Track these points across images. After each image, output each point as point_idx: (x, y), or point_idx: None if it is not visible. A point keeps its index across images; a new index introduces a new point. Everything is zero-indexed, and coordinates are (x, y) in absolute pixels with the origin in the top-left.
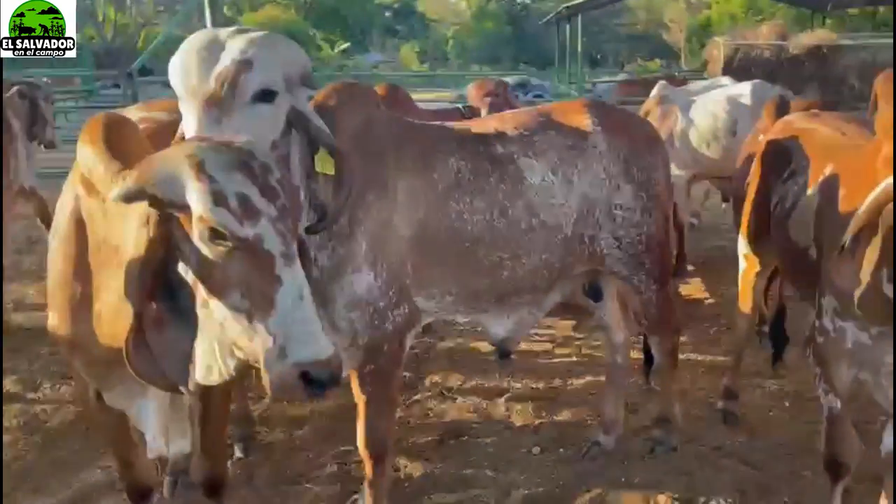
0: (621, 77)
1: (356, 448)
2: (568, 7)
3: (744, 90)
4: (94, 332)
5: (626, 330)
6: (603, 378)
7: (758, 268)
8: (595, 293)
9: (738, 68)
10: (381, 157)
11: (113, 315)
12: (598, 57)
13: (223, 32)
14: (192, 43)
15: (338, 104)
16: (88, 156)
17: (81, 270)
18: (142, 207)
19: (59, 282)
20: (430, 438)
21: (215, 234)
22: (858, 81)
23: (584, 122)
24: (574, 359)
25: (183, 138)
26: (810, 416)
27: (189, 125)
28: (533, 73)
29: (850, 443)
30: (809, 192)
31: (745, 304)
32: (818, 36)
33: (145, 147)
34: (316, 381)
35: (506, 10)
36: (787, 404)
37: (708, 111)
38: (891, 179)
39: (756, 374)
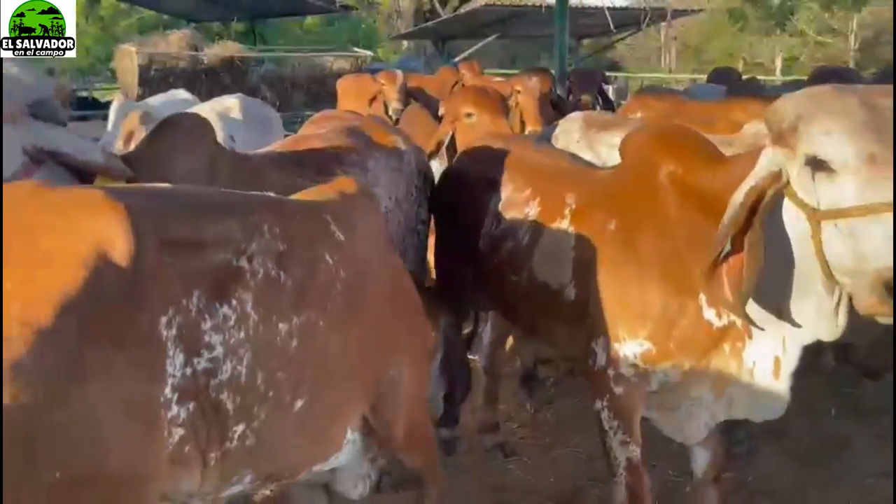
0: None
1: None
2: None
3: (231, 105)
4: None
5: None
6: None
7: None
8: None
9: (155, 79)
10: None
11: None
12: None
13: None
14: None
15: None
16: None
17: None
18: None
19: None
20: None
21: None
22: (269, 91)
23: (394, 139)
24: None
25: None
26: None
27: None
28: None
29: (648, 486)
30: (558, 225)
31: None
32: (232, 48)
33: None
34: None
35: None
36: None
37: None
38: (744, 188)
39: None
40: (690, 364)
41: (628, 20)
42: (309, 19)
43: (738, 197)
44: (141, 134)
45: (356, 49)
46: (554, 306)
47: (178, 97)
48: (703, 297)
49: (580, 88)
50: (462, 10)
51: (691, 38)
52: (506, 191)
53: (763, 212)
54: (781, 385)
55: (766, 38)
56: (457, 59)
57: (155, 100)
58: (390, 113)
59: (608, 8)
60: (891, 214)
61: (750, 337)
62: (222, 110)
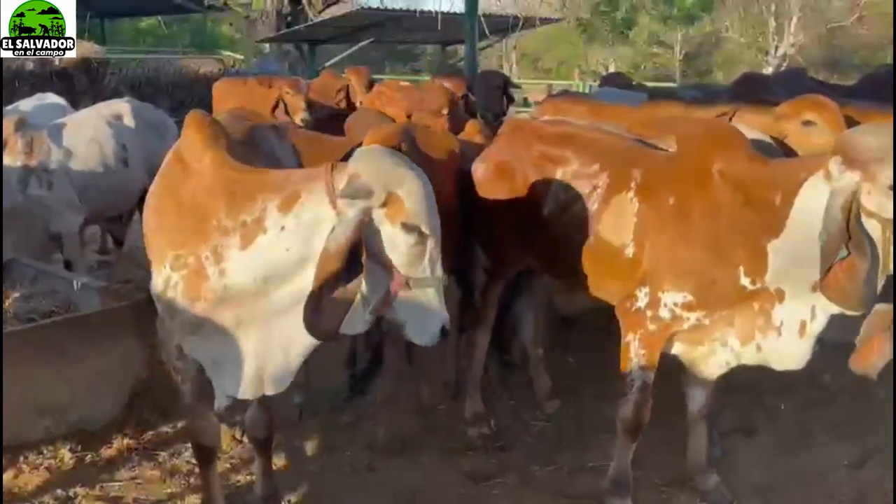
0: None
1: None
2: None
3: (121, 110)
4: None
5: None
6: None
7: (501, 278)
8: None
9: None
10: None
11: None
12: None
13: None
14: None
15: None
16: None
17: None
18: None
19: None
20: None
21: None
22: (130, 93)
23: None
24: None
25: None
26: None
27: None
28: None
29: (649, 405)
30: (624, 195)
31: (489, 317)
32: (88, 49)
33: None
34: None
35: None
36: None
37: (87, 137)
38: (837, 204)
39: None
40: (720, 314)
41: (497, 27)
42: (145, 20)
43: (835, 212)
44: (17, 142)
45: (223, 52)
46: (611, 260)
47: (48, 101)
48: (741, 269)
49: (486, 92)
50: (333, 14)
51: (529, 48)
52: (573, 166)
53: (855, 220)
54: (805, 344)
55: (602, 48)
56: (328, 64)
57: (25, 105)
58: (297, 122)
59: (483, 15)
60: None
61: (780, 301)
62: (112, 116)
